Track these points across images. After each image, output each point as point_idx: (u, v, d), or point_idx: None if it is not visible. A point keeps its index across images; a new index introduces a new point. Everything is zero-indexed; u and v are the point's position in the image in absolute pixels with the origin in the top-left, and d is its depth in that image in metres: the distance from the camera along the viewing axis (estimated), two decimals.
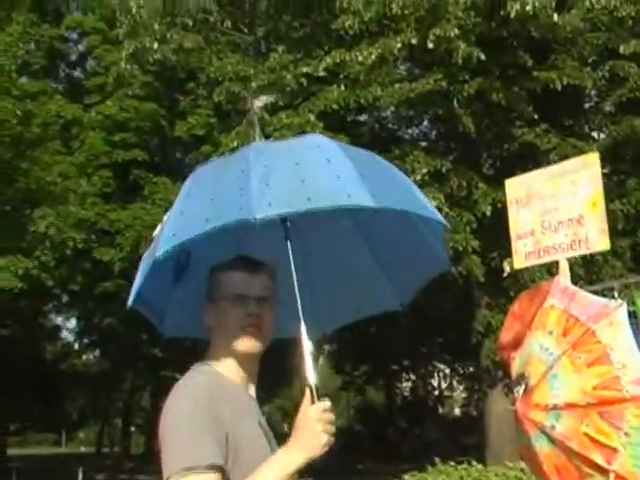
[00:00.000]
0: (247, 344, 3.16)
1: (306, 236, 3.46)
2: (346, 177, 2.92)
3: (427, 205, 3.25)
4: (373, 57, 14.83)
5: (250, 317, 3.14)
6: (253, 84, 15.96)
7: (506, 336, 5.72)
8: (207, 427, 2.85)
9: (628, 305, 5.39)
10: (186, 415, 2.86)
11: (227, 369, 3.15)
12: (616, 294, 5.46)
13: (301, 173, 2.87)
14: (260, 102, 15.55)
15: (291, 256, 3.10)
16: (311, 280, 3.46)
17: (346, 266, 3.68)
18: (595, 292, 5.61)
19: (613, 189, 15.19)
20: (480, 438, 17.64)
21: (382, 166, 3.29)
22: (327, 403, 2.84)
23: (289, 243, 3.13)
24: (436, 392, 48.98)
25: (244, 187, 2.83)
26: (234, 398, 3.08)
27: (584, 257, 5.57)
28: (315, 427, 2.74)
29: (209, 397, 2.95)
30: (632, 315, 5.43)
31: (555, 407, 5.39)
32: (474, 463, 13.53)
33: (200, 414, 2.88)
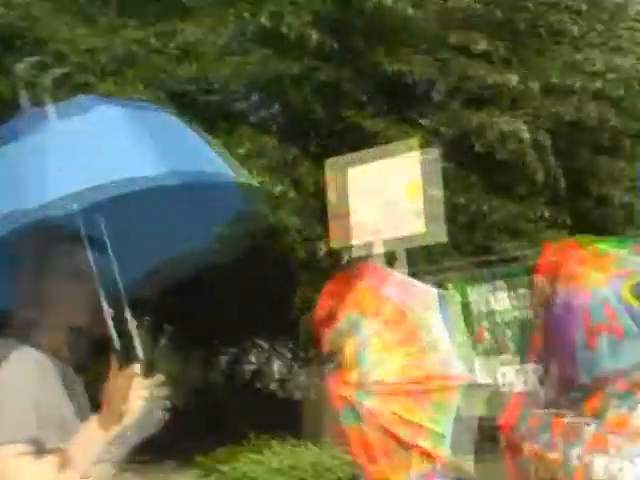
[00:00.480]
0: (73, 318, 3.17)
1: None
2: (128, 149, 2.97)
3: (217, 162, 3.30)
4: (205, 29, 14.67)
5: (73, 292, 3.14)
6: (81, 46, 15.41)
7: (320, 313, 5.80)
8: (28, 401, 2.87)
9: (461, 297, 5.55)
10: (8, 389, 2.85)
11: (50, 343, 3.15)
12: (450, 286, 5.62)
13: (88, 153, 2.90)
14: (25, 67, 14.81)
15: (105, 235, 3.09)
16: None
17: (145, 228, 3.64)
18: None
19: (456, 182, 15.60)
20: (297, 414, 17.89)
21: (171, 128, 3.31)
22: (160, 377, 2.85)
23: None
24: (254, 367, 49.19)
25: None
26: (56, 371, 3.09)
27: (424, 247, 5.76)
28: (134, 399, 2.77)
29: (31, 371, 2.96)
30: (463, 306, 5.58)
31: (364, 384, 5.52)
32: (290, 438, 13.75)
33: (22, 388, 2.90)
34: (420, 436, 5.60)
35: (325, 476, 13.86)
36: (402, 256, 5.78)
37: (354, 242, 5.97)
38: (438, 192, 5.70)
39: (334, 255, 5.98)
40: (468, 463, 5.39)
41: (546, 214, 15.75)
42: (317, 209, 14.02)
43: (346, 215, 5.96)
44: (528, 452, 4.92)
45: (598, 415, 4.65)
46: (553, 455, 4.75)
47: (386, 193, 5.75)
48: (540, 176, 15.38)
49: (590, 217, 16.54)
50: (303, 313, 16.50)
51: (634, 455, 4.42)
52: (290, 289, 16.77)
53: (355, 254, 5.81)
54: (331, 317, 5.75)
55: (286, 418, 16.28)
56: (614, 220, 17.03)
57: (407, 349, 5.48)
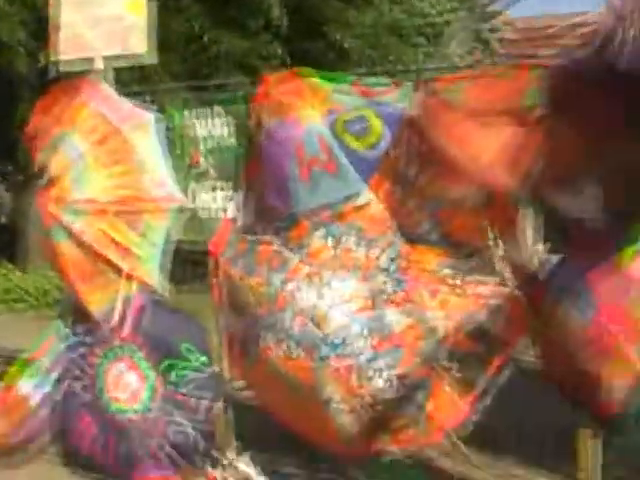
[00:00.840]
0: None
1: None
2: None
3: None
4: None
5: None
6: None
7: (32, 129, 5.54)
8: None
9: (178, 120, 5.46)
10: None
11: None
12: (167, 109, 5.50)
13: None
14: None
15: None
16: None
17: None
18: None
19: (187, 11, 15.11)
20: (8, 239, 17.27)
21: None
22: None
23: None
24: None
25: None
26: None
27: (136, 67, 5.54)
28: None
29: None
30: (168, 128, 5.52)
31: (75, 202, 5.39)
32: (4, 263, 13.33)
33: None
34: (128, 257, 5.60)
35: (40, 299, 13.69)
36: (110, 75, 5.60)
37: (77, 55, 5.68)
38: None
39: (53, 70, 5.65)
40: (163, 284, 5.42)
41: (278, 52, 15.78)
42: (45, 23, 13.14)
43: (68, 26, 5.66)
44: (234, 276, 5.07)
45: (302, 245, 4.83)
46: (256, 280, 4.92)
47: (106, 7, 5.48)
48: (276, 13, 15.30)
49: (320, 59, 16.78)
50: (21, 131, 15.68)
51: (332, 282, 4.66)
52: (10, 106, 15.84)
53: (71, 68, 5.54)
54: (45, 132, 5.51)
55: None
56: (341, 64, 17.40)
57: (117, 168, 5.38)
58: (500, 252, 4.34)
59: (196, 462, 4.98)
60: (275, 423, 4.95)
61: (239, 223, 5.15)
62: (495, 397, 6.14)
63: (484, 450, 5.57)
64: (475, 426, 5.20)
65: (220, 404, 5.19)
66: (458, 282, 4.42)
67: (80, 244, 5.59)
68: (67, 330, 5.90)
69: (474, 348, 4.42)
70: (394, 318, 4.46)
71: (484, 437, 5.36)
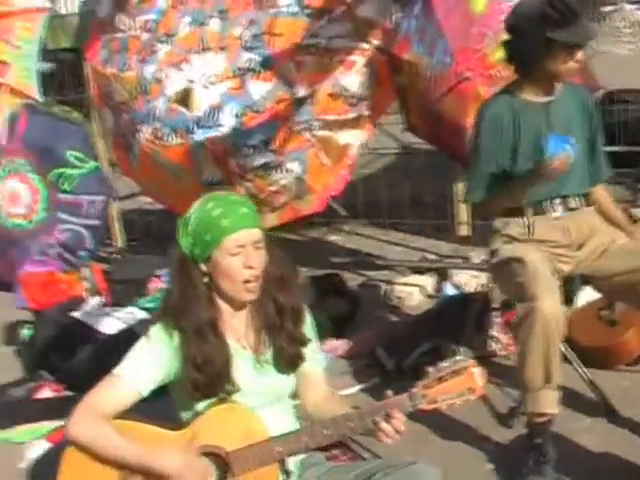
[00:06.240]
0: None
1: None
2: None
3: None
4: None
5: None
6: None
7: None
8: None
9: None
10: None
11: None
12: None
13: None
14: None
15: None
16: None
17: None
18: None
19: None
20: None
21: None
22: None
23: None
24: None
25: None
26: None
27: None
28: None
29: None
30: None
31: None
32: None
33: None
34: (7, 74, 5.52)
35: None
36: None
37: None
38: None
39: None
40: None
41: None
42: None
43: None
44: (109, 76, 5.04)
45: (170, 34, 4.80)
46: (129, 74, 4.90)
47: None
48: None
49: None
50: None
51: (200, 65, 4.65)
52: None
53: None
54: None
55: None
56: None
57: None
58: (359, 12, 4.36)
59: (83, 257, 5.06)
60: None
61: (107, 21, 5.07)
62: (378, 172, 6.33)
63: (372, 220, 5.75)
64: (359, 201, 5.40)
65: (109, 201, 5.28)
66: (322, 51, 4.43)
67: None
68: None
69: (345, 112, 4.49)
70: (263, 93, 4.48)
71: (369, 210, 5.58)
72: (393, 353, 3.62)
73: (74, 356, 3.58)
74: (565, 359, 3.16)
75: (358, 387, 3.57)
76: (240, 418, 2.20)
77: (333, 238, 5.87)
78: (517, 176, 2.87)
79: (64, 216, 5.24)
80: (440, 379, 2.12)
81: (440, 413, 2.15)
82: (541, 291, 2.57)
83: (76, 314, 3.76)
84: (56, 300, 4.14)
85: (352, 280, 4.92)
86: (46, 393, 3.58)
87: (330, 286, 4.52)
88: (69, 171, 5.26)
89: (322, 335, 4.00)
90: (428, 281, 4.77)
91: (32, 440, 3.16)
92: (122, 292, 4.74)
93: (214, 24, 4.65)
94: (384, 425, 2.09)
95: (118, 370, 2.19)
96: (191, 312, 2.18)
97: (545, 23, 2.74)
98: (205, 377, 2.16)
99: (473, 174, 2.95)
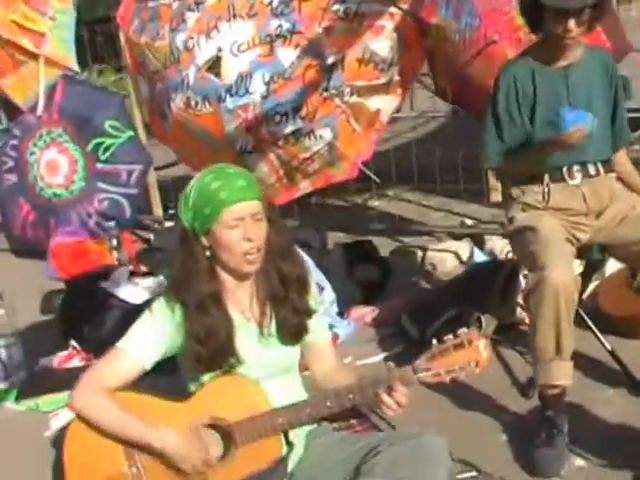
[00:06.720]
0: None
1: None
2: None
3: None
4: None
5: None
6: None
7: None
8: None
9: None
10: None
11: None
12: None
13: None
14: None
15: None
16: None
17: None
18: None
19: None
20: None
21: None
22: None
23: None
24: None
25: None
26: None
27: None
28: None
29: None
30: None
31: None
32: None
33: None
34: (44, 45, 5.59)
35: None
36: None
37: None
38: None
39: None
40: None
41: None
42: None
43: None
44: (142, 45, 5.05)
45: (199, 1, 4.78)
46: (161, 43, 4.90)
47: None
48: None
49: None
50: None
51: (229, 32, 4.62)
52: None
53: None
54: None
55: None
56: None
57: None
58: None
59: (123, 225, 5.13)
60: None
61: None
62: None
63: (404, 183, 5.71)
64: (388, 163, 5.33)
65: (147, 170, 5.34)
66: (351, 16, 4.38)
67: None
68: (2, 127, 5.99)
69: (376, 77, 4.44)
70: (293, 59, 4.45)
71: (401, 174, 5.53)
72: (417, 321, 3.60)
73: (102, 325, 3.64)
74: (588, 327, 3.12)
75: (382, 355, 3.57)
76: (243, 390, 2.23)
77: (376, 204, 5.84)
78: (533, 144, 2.81)
79: (103, 185, 5.33)
80: (444, 351, 2.11)
81: (460, 382, 2.13)
82: (551, 260, 2.53)
83: (104, 284, 3.81)
84: (86, 269, 4.20)
85: (388, 246, 4.90)
86: (75, 362, 3.64)
87: (361, 253, 4.51)
88: (107, 140, 5.33)
89: (351, 302, 4.07)
90: (464, 247, 4.72)
91: (58, 409, 3.22)
92: (161, 260, 4.79)
93: None
94: (385, 397, 2.10)
95: (121, 344, 2.22)
96: (193, 286, 2.20)
97: None
98: (208, 350, 2.19)
99: (489, 138, 2.90)
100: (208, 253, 2.21)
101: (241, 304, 2.27)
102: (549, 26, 2.74)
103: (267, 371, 2.25)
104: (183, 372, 2.32)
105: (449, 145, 5.35)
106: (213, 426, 2.20)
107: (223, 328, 2.21)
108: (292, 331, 2.29)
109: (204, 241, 2.19)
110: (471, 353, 2.09)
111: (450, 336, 2.12)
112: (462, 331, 2.11)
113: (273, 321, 2.27)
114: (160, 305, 2.23)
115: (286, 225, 2.37)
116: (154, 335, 2.20)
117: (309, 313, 2.31)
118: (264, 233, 2.19)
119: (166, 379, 2.34)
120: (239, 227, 2.15)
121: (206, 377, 2.23)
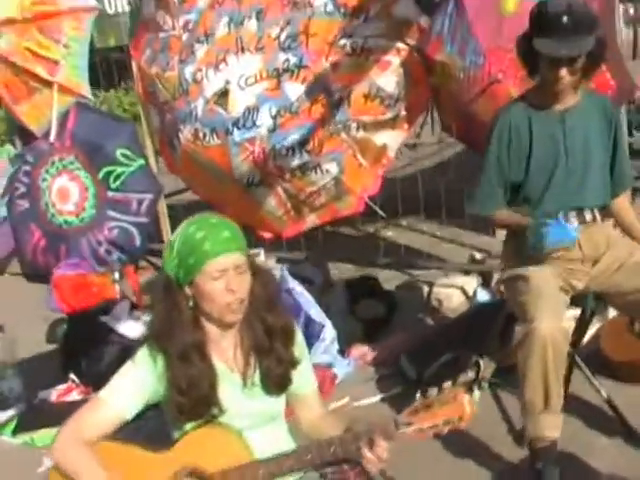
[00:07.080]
0: None
1: None
2: None
3: None
4: None
5: None
6: None
7: None
8: None
9: None
10: None
11: None
12: None
13: None
14: None
15: None
16: None
17: None
18: None
19: None
20: None
21: None
22: None
23: None
24: None
25: None
26: None
27: None
28: None
29: None
30: None
31: None
32: None
33: None
34: (58, 73, 5.64)
35: None
36: None
37: None
38: None
39: None
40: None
41: None
42: None
43: None
44: (152, 75, 5.08)
45: (208, 34, 4.81)
46: (170, 74, 4.93)
47: None
48: None
49: None
50: None
51: (237, 65, 4.63)
52: None
53: None
54: None
55: None
56: None
57: None
58: (395, 11, 4.31)
59: (133, 253, 5.17)
60: None
61: (152, 20, 5.11)
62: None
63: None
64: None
65: (157, 199, 5.37)
66: (358, 50, 4.39)
67: (9, 66, 5.65)
68: (16, 152, 6.04)
69: (382, 113, 4.44)
70: (300, 94, 4.46)
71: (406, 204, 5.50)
72: (416, 362, 3.57)
73: (100, 360, 3.65)
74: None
75: (379, 396, 3.55)
76: (224, 440, 2.21)
77: (389, 234, 5.81)
78: (525, 191, 2.80)
79: (113, 214, 5.35)
80: (427, 406, 2.09)
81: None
82: (541, 312, 2.51)
83: (105, 318, 3.82)
84: (87, 303, 4.22)
85: (396, 279, 4.87)
86: (74, 395, 3.65)
87: (365, 289, 4.50)
88: (118, 169, 5.37)
89: (352, 339, 4.05)
90: (470, 282, 4.69)
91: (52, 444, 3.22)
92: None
93: (251, 25, 4.63)
94: (366, 452, 2.08)
95: (103, 393, 2.22)
96: (176, 336, 2.19)
97: (533, 28, 2.67)
98: (190, 400, 2.18)
99: (481, 183, 2.89)
100: (191, 303, 2.20)
101: (225, 354, 2.26)
102: (543, 72, 2.74)
103: (251, 421, 2.24)
104: (167, 418, 2.31)
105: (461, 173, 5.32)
106: (195, 475, 2.20)
107: (206, 378, 2.20)
108: (276, 381, 2.27)
109: (187, 291, 2.19)
110: (455, 408, 2.07)
111: (434, 390, 2.10)
112: (447, 385, 2.10)
113: (257, 371, 2.26)
114: (143, 354, 2.22)
115: (273, 276, 2.36)
116: (135, 386, 2.20)
117: (294, 363, 2.29)
118: (247, 285, 2.19)
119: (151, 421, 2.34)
120: (222, 279, 2.14)
121: (189, 426, 2.23)
